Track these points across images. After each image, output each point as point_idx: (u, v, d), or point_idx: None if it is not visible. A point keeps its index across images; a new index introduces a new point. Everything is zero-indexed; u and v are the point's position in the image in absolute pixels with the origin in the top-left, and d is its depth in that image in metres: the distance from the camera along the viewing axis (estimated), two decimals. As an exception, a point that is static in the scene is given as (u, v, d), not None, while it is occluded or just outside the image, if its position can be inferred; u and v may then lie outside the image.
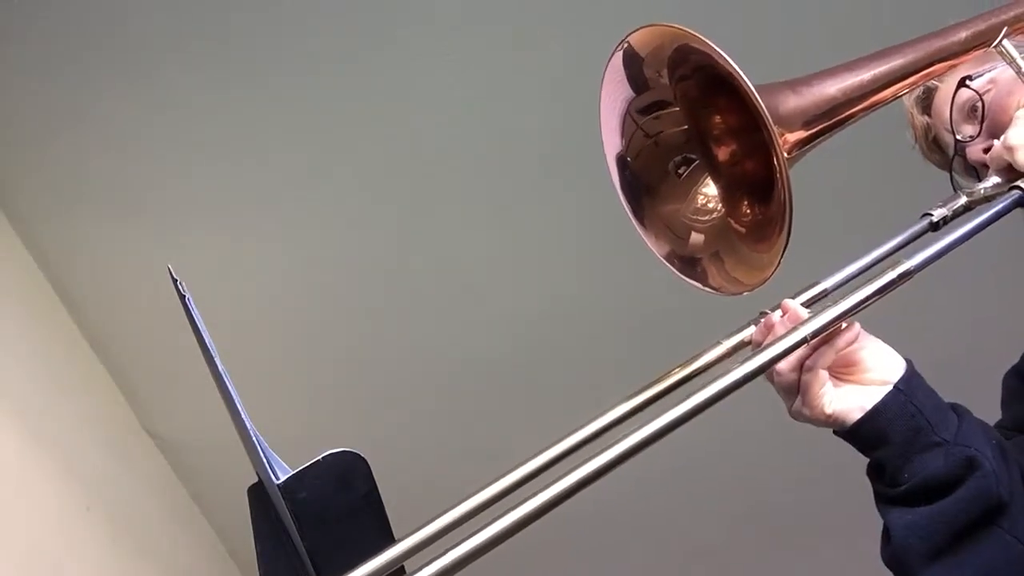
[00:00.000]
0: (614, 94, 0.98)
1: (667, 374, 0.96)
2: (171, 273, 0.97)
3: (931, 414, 0.92)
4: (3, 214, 2.67)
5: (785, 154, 0.88)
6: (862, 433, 0.93)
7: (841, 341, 0.93)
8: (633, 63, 0.95)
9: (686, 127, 0.99)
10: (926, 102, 1.23)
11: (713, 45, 0.87)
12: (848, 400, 0.93)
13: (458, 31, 2.38)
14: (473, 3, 2.35)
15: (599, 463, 0.74)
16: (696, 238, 1.00)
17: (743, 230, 0.99)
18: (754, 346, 0.97)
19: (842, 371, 0.95)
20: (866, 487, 0.96)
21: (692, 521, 3.19)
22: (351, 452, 0.82)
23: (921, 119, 1.24)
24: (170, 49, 2.39)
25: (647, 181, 1.01)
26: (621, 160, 1.00)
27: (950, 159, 1.15)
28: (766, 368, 0.86)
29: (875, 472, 0.95)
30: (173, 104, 2.47)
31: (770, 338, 0.93)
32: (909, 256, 0.92)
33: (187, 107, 2.48)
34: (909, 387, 0.93)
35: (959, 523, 0.90)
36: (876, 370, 0.94)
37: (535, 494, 0.72)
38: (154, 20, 2.36)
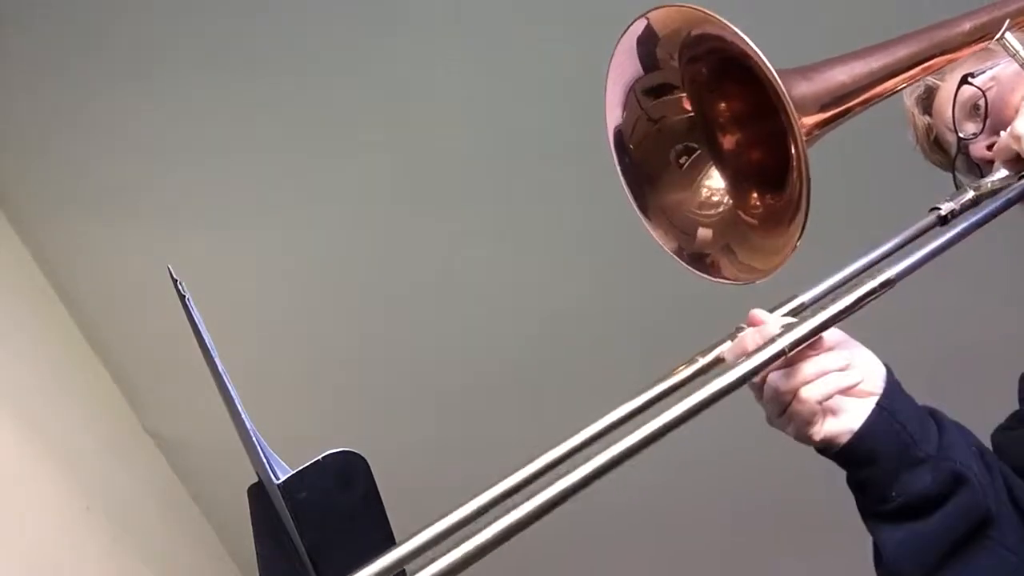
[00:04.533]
0: (622, 71, 0.96)
1: (648, 387, 0.92)
2: (171, 273, 0.97)
3: (914, 428, 0.91)
4: (3, 214, 2.67)
5: (804, 136, 0.87)
6: (850, 456, 0.92)
7: (823, 355, 0.89)
8: (648, 42, 0.94)
9: (691, 114, 0.98)
10: (927, 102, 1.22)
11: (733, 27, 0.86)
12: (835, 424, 0.91)
13: (460, 29, 2.38)
14: (475, 1, 2.35)
15: (575, 478, 0.73)
16: (704, 233, 0.99)
17: (754, 221, 0.97)
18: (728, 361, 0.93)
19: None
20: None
21: (696, 521, 3.19)
22: (351, 452, 0.82)
23: (922, 119, 1.23)
24: (170, 49, 2.39)
25: (648, 170, 0.99)
26: (621, 143, 0.99)
27: (952, 158, 1.14)
28: (740, 384, 0.81)
29: (860, 488, 0.94)
30: (173, 104, 2.47)
31: (740, 353, 0.89)
32: (892, 265, 0.90)
33: (187, 107, 2.48)
34: (891, 402, 0.92)
35: (949, 539, 0.89)
36: (860, 383, 0.92)
37: (519, 505, 0.72)
38: (154, 21, 2.36)
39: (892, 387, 0.93)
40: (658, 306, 2.70)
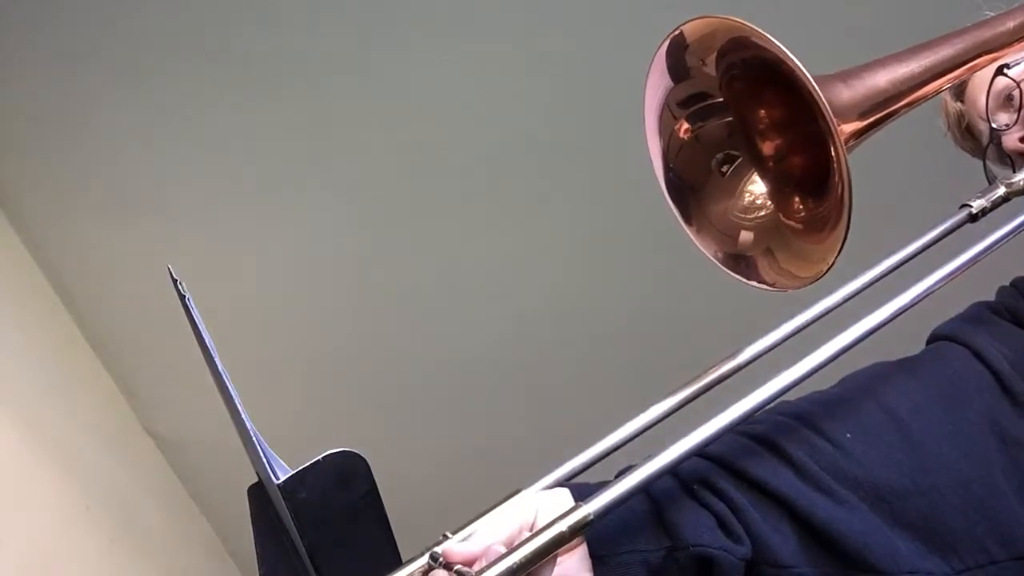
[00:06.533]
0: (656, 87, 0.94)
1: None
2: (171, 273, 0.97)
3: (637, 538, 0.83)
4: (3, 214, 2.68)
5: (844, 145, 0.84)
6: None
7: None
8: (676, 52, 0.92)
9: (729, 120, 0.96)
10: (959, 89, 1.21)
11: (769, 36, 0.84)
12: None
13: (459, 29, 2.38)
14: (475, 2, 2.35)
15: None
16: (746, 236, 0.96)
17: (796, 226, 0.95)
18: None
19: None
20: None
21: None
22: (351, 452, 0.82)
23: (955, 106, 1.22)
24: (169, 50, 2.39)
25: (691, 181, 0.97)
26: (665, 159, 0.96)
27: (984, 147, 1.14)
28: None
29: None
30: (173, 105, 2.47)
31: None
32: (591, 500, 0.75)
33: (187, 108, 2.48)
34: (602, 549, 0.82)
35: None
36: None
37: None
38: (154, 22, 2.36)
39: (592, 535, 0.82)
40: (660, 306, 2.70)
